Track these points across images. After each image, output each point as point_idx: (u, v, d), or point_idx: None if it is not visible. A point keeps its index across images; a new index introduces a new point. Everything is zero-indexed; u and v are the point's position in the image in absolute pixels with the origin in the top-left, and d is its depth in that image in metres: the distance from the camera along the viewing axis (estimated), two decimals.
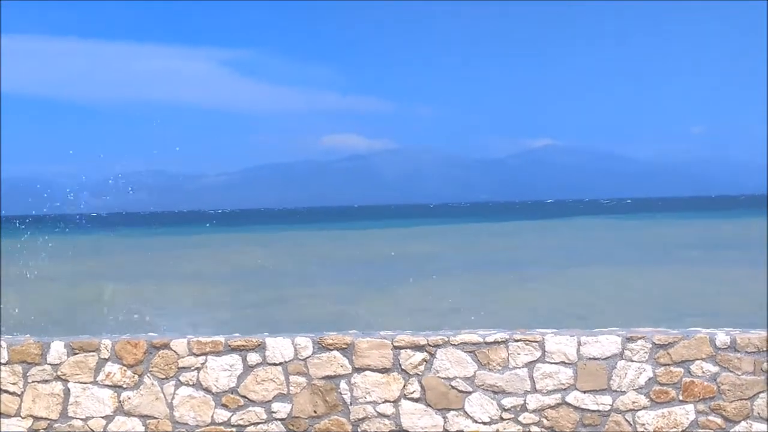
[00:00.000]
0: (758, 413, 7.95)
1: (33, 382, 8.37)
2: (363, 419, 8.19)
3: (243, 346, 8.26)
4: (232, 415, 8.26)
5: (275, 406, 8.24)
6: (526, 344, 8.10)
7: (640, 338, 8.02)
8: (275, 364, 8.24)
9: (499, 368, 8.11)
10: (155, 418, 8.30)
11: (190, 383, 8.29)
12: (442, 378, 8.14)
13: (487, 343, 8.12)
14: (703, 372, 7.98)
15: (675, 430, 7.97)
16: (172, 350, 8.31)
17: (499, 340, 8.11)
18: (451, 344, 8.14)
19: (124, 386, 8.33)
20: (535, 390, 8.09)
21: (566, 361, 8.06)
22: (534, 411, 8.08)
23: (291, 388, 8.23)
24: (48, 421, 8.35)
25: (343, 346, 8.21)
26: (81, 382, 8.34)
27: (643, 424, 7.99)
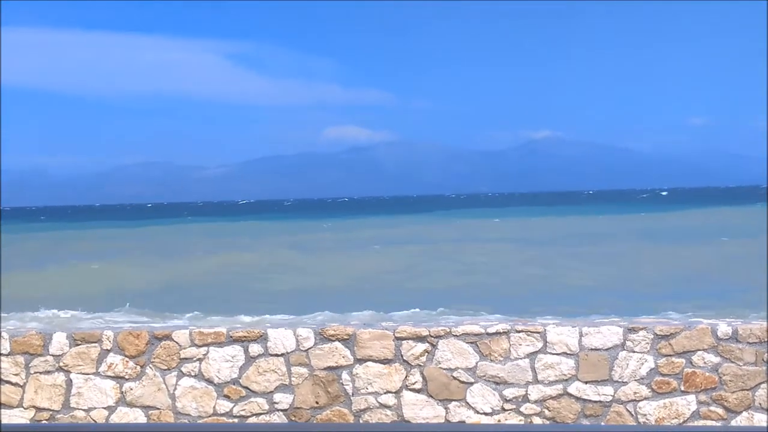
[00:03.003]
0: (760, 404, 7.95)
1: (35, 373, 8.38)
2: (365, 410, 8.20)
3: (245, 337, 8.27)
4: (234, 405, 8.27)
5: (277, 396, 8.25)
6: (528, 335, 8.10)
7: (642, 329, 8.03)
8: (277, 355, 8.24)
9: (501, 359, 8.11)
10: (157, 408, 8.31)
11: (192, 374, 8.30)
12: (444, 369, 8.15)
13: (488, 334, 8.12)
14: (705, 362, 7.98)
15: (676, 420, 7.97)
16: (174, 341, 8.31)
17: (501, 330, 8.11)
18: (453, 335, 8.14)
19: (127, 377, 8.34)
20: (536, 381, 8.09)
21: (568, 352, 8.06)
22: (536, 402, 8.09)
23: (293, 378, 8.24)
24: (50, 412, 8.36)
25: (345, 337, 8.21)
26: (83, 373, 8.36)
27: (645, 415, 8.00)
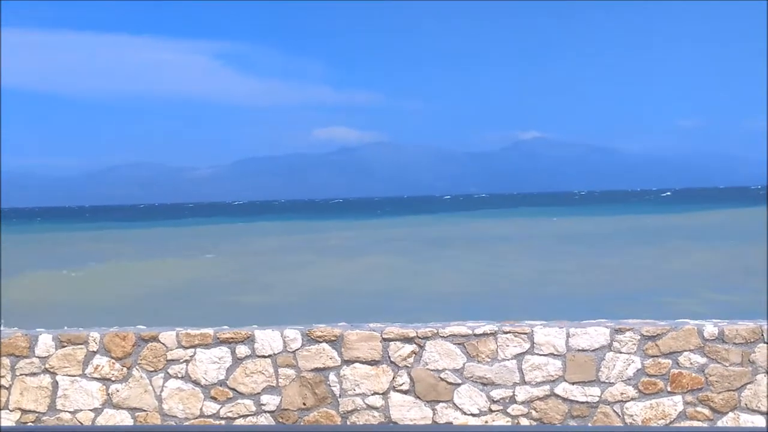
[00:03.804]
0: (746, 404, 7.97)
1: (21, 375, 8.35)
2: (352, 411, 8.19)
3: (232, 338, 8.25)
4: (221, 407, 8.25)
5: (264, 398, 8.23)
6: (515, 336, 8.10)
7: (629, 330, 8.03)
8: (264, 357, 8.23)
9: (488, 360, 8.11)
10: (144, 410, 8.28)
11: (179, 376, 8.27)
12: (432, 370, 8.14)
13: (476, 335, 8.12)
14: (691, 363, 7.99)
15: (663, 421, 7.98)
16: (161, 343, 8.29)
17: (488, 332, 8.11)
18: (440, 336, 8.14)
19: (113, 379, 8.31)
20: (524, 382, 8.09)
21: (555, 353, 8.06)
22: (523, 403, 8.09)
23: (280, 380, 8.23)
24: (36, 414, 8.33)
25: (332, 338, 8.20)
26: (69, 375, 8.33)
27: (632, 416, 8.00)
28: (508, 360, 8.10)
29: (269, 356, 8.23)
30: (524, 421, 8.07)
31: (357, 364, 8.19)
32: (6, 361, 8.34)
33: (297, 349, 8.22)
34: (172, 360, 8.28)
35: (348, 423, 8.18)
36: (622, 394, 8.03)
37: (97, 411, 8.31)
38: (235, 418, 8.23)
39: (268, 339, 8.24)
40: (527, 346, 8.09)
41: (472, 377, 8.12)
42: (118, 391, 8.29)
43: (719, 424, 7.94)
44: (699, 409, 7.98)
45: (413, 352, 8.15)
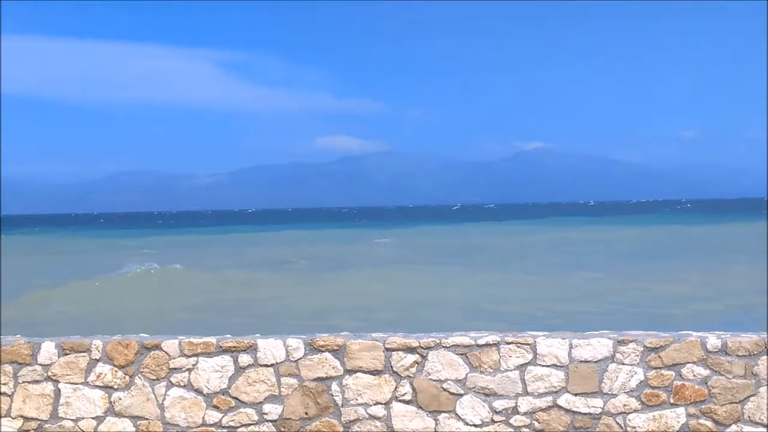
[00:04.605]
0: (749, 417, 7.96)
1: (23, 382, 8.35)
2: (354, 421, 8.18)
3: (234, 347, 8.25)
4: (223, 416, 8.25)
5: (266, 407, 8.23)
6: (518, 347, 8.09)
7: (632, 341, 8.03)
8: (267, 366, 8.23)
9: (491, 370, 8.10)
10: (146, 419, 8.28)
11: (181, 384, 8.27)
12: (434, 380, 8.14)
13: (478, 346, 8.11)
14: (694, 375, 7.99)
15: None
16: (164, 351, 8.29)
17: (491, 342, 8.11)
18: (443, 346, 8.14)
19: (115, 387, 8.31)
20: (526, 392, 8.08)
21: (558, 364, 8.06)
22: (525, 413, 8.08)
23: (282, 389, 8.22)
24: (38, 422, 8.32)
25: (335, 347, 8.20)
26: (72, 383, 8.33)
27: (634, 427, 8.00)
28: (510, 371, 8.10)
29: (272, 365, 8.23)
30: None
31: (359, 374, 8.18)
32: (8, 368, 8.35)
33: (299, 359, 8.22)
34: (175, 368, 8.27)
35: None
36: (624, 405, 8.02)
37: (99, 419, 8.30)
38: (237, 427, 8.23)
39: (271, 348, 8.24)
40: (530, 356, 8.09)
41: (474, 388, 8.11)
42: (120, 399, 8.29)
43: None
44: (702, 421, 7.97)
45: (416, 362, 8.15)
